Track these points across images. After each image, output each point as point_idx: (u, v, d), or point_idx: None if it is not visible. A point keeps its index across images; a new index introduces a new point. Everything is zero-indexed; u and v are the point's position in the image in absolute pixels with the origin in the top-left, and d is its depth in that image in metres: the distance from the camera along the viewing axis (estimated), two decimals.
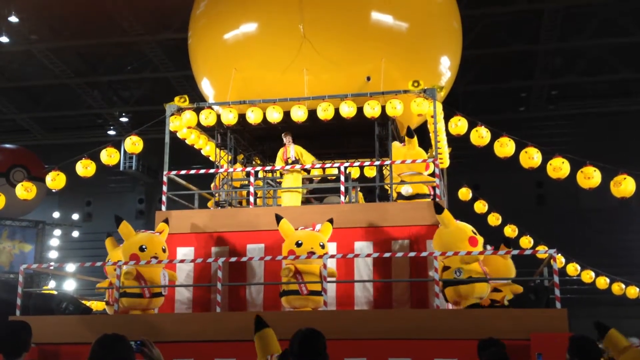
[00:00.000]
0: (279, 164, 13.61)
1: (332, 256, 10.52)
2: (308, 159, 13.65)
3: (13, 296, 12.22)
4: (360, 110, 12.64)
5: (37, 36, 25.18)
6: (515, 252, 10.88)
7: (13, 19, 22.84)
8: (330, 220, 11.06)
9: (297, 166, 13.35)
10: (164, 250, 11.17)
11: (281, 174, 14.04)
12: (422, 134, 15.34)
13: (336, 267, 11.16)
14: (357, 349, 9.52)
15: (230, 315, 11.12)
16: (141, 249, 10.91)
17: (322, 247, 10.71)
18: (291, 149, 13.57)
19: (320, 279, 10.38)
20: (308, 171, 14.24)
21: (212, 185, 15.09)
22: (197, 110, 13.38)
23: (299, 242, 10.64)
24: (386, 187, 13.75)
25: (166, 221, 11.76)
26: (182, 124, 13.56)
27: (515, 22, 24.44)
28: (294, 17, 13.20)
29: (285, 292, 10.78)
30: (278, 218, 10.96)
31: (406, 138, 13.12)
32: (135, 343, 4.13)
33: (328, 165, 14.18)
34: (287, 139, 13.65)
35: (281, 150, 13.72)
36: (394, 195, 13.16)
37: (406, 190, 12.70)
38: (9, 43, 24.90)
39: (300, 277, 10.53)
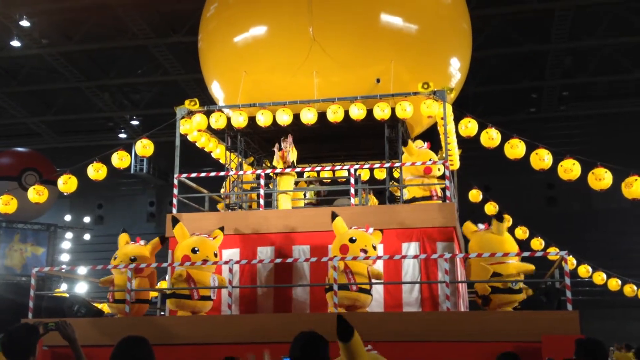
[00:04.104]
0: (278, 165, 13.62)
1: (342, 258, 10.50)
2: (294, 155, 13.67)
3: (25, 299, 12.31)
4: (370, 112, 12.63)
5: (49, 40, 25.35)
6: (527, 253, 10.85)
7: (24, 23, 22.99)
8: (381, 230, 11.14)
9: (298, 169, 13.47)
10: (215, 255, 11.20)
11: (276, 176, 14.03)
12: (433, 136, 15.31)
13: None
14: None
15: (240, 317, 11.16)
16: (194, 251, 10.98)
17: (375, 249, 10.79)
18: (288, 154, 13.52)
19: (368, 279, 10.55)
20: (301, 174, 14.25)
21: (222, 190, 15.11)
22: (208, 113, 13.42)
23: (353, 238, 10.70)
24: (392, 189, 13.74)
25: (222, 229, 11.69)
26: (192, 127, 13.60)
27: (525, 22, 24.35)
28: (304, 19, 13.20)
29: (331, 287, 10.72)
30: (334, 215, 11.05)
31: (403, 148, 13.12)
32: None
33: (338, 167, 14.17)
34: (285, 143, 13.59)
35: (279, 153, 13.66)
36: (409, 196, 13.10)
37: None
38: (21, 47, 25.11)
39: (351, 274, 10.52)
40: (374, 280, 11.23)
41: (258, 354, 9.30)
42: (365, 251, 10.57)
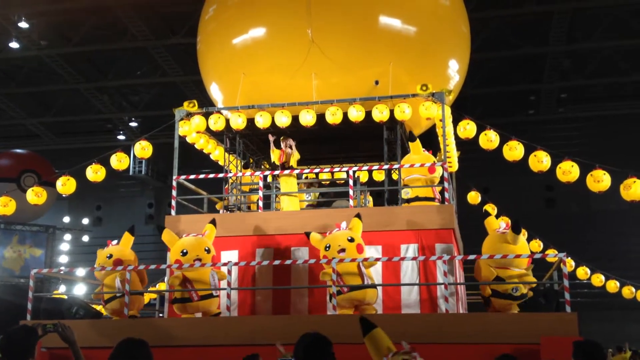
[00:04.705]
0: (273, 155, 13.58)
1: (341, 260, 10.49)
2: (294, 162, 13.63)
3: (24, 300, 12.30)
4: (368, 114, 12.62)
5: (47, 42, 25.36)
6: (525, 255, 10.86)
7: (23, 24, 23.01)
8: (358, 216, 11.00)
9: (296, 171, 13.42)
10: (207, 251, 11.11)
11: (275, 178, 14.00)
12: (431, 138, 15.30)
13: None
14: (367, 353, 9.49)
15: (240, 319, 11.15)
16: (183, 254, 10.99)
17: (352, 240, 10.62)
18: (289, 157, 13.45)
19: (360, 275, 10.41)
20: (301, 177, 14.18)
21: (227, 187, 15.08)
22: (206, 115, 13.41)
23: (327, 245, 10.64)
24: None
25: (213, 222, 11.64)
26: (191, 128, 13.60)
27: (524, 24, 24.39)
28: (302, 21, 13.21)
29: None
30: (307, 234, 11.00)
31: (409, 143, 13.09)
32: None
33: (337, 169, 14.18)
34: (285, 144, 13.55)
35: (278, 152, 13.60)
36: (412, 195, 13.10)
37: (405, 192, 12.76)
38: (19, 48, 25.11)
39: (340, 278, 10.44)
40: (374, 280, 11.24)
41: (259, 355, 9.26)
42: (343, 250, 10.50)
